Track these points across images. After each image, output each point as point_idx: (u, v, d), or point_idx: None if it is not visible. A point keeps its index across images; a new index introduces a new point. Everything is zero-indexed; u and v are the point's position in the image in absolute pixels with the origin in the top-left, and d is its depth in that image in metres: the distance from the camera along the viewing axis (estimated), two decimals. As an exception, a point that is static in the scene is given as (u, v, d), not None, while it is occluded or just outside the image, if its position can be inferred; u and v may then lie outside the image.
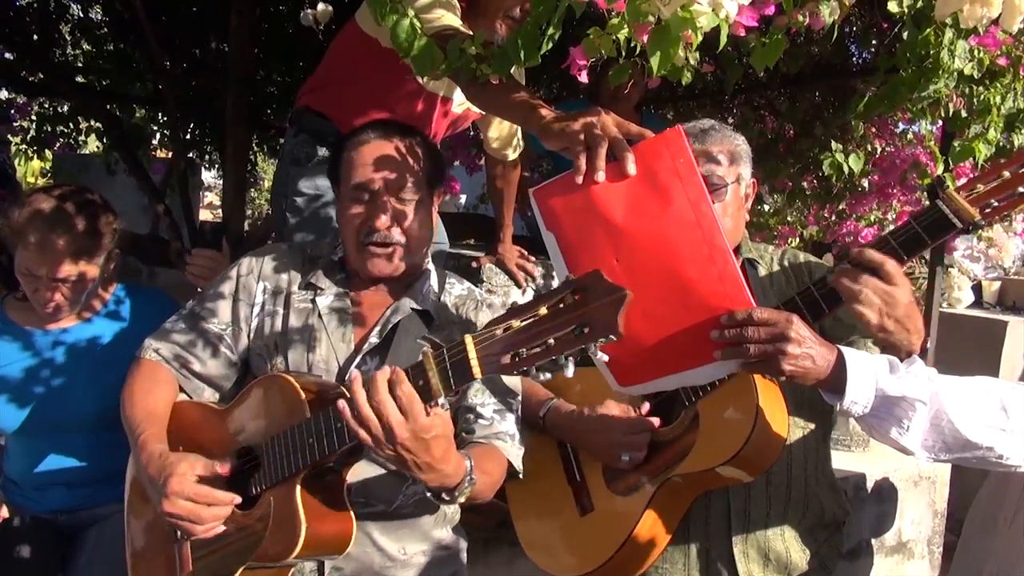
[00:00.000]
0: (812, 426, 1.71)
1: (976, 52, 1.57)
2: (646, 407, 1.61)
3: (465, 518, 1.71)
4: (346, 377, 1.49)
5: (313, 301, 1.57)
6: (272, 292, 1.59)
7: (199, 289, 1.92)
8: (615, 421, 1.59)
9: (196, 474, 1.36)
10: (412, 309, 1.57)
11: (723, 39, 1.11)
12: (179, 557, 1.47)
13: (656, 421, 1.58)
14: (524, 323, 1.11)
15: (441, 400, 1.19)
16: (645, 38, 1.09)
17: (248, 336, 1.58)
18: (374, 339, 1.54)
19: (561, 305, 1.10)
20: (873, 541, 2.80)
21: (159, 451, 1.42)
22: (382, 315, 1.57)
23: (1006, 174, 1.36)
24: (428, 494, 1.37)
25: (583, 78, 1.20)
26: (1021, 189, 1.35)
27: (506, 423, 1.53)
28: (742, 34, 1.14)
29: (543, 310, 1.10)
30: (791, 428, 1.60)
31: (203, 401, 1.59)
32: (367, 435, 1.21)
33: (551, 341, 1.09)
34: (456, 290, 1.65)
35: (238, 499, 1.39)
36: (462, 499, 1.36)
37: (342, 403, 1.22)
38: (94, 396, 1.84)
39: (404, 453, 1.22)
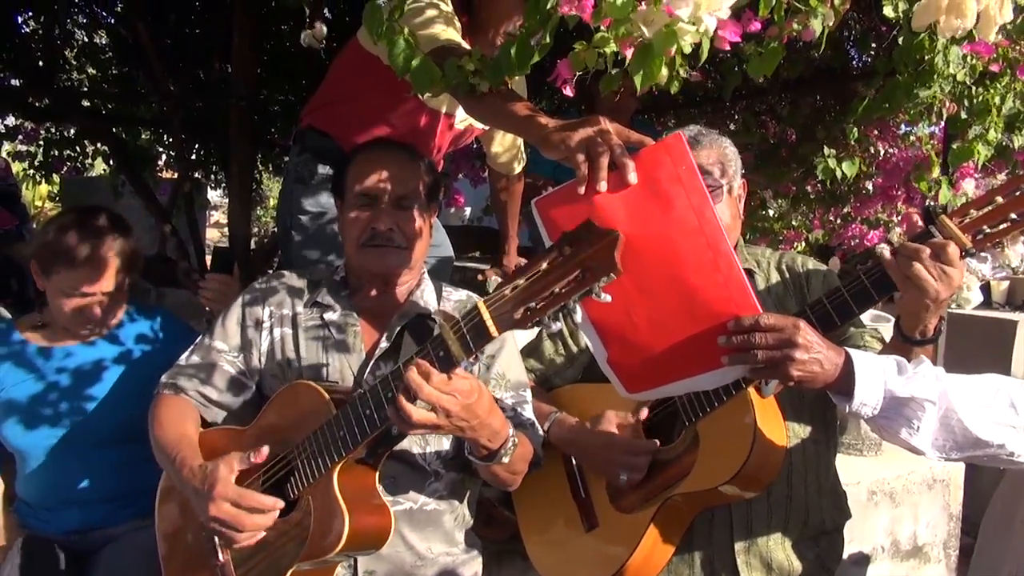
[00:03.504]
0: (813, 434, 1.70)
1: (968, 59, 1.57)
2: (644, 413, 1.61)
3: (479, 532, 1.73)
4: (363, 379, 1.56)
5: (321, 317, 1.64)
6: (279, 316, 1.66)
7: (207, 309, 1.94)
8: (616, 440, 1.60)
9: (236, 468, 1.41)
10: (417, 314, 1.63)
11: (704, 53, 1.13)
12: (222, 575, 1.48)
13: (656, 442, 1.59)
14: (529, 280, 1.18)
15: (464, 364, 1.28)
16: (631, 52, 1.10)
17: (259, 360, 1.64)
18: (384, 344, 1.61)
19: (560, 258, 1.17)
20: (889, 546, 2.78)
21: (199, 464, 1.47)
22: (388, 322, 1.63)
23: (999, 199, 1.32)
24: (473, 459, 1.45)
25: (568, 91, 1.21)
26: (1014, 216, 1.31)
27: (525, 413, 1.63)
28: (726, 48, 1.15)
29: (544, 265, 1.18)
30: (791, 438, 1.60)
31: (225, 427, 1.64)
32: (425, 426, 1.30)
33: (557, 290, 1.16)
34: (455, 296, 1.73)
35: (281, 503, 1.42)
36: (506, 459, 1.42)
37: (401, 399, 1.28)
38: (106, 412, 1.86)
39: (460, 423, 1.33)
